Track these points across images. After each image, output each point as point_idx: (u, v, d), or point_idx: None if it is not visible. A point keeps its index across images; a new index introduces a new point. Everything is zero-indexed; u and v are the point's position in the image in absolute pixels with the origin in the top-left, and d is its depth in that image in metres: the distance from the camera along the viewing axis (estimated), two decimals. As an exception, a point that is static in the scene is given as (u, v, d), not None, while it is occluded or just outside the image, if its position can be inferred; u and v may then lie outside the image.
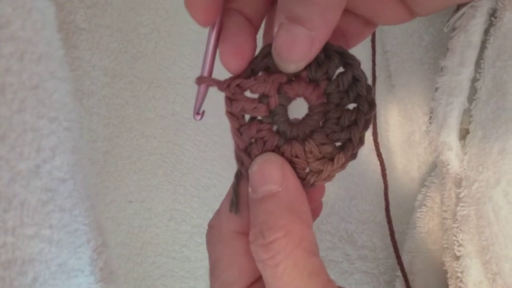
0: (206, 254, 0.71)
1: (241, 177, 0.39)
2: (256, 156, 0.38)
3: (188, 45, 0.74)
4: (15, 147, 0.39)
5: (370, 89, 0.38)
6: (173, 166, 0.72)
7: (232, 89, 0.37)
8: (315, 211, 0.43)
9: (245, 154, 0.38)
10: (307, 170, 0.38)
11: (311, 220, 0.35)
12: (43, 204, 0.40)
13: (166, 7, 0.72)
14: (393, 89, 0.76)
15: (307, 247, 0.33)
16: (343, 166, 0.38)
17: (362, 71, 0.38)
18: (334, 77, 0.38)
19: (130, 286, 0.67)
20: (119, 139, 0.67)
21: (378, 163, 0.72)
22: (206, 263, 0.71)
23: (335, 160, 0.37)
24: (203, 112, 0.40)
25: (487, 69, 0.61)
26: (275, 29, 0.35)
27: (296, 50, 0.34)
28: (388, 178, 0.72)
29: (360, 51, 0.41)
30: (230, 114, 0.38)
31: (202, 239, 0.72)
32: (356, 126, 0.37)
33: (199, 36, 0.75)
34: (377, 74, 0.74)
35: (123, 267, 0.67)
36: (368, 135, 0.72)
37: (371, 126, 0.71)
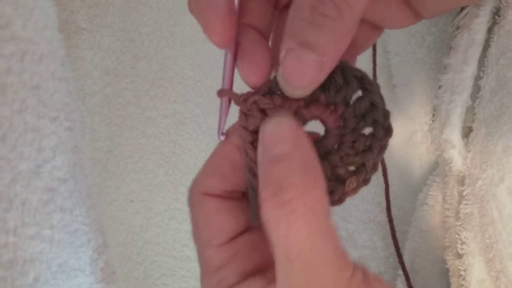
0: (207, 254, 0.71)
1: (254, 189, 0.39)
2: None
3: (189, 45, 0.74)
4: (16, 147, 0.39)
5: (387, 115, 0.38)
6: (174, 165, 0.72)
7: (248, 104, 0.37)
8: None
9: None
10: None
11: (325, 185, 0.34)
12: (44, 204, 0.40)
13: (168, 7, 0.72)
14: (394, 89, 0.76)
15: (323, 210, 0.33)
16: (354, 191, 0.38)
17: (381, 96, 0.38)
18: (352, 101, 0.38)
19: (131, 285, 0.67)
20: (120, 138, 0.67)
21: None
22: (207, 262, 0.72)
23: (347, 183, 0.37)
24: (227, 132, 0.40)
25: (490, 67, 0.61)
26: (282, 53, 0.34)
27: (305, 76, 0.34)
28: (389, 177, 0.72)
29: (378, 88, 0.41)
30: (245, 129, 0.38)
31: (203, 238, 0.72)
32: (371, 152, 0.37)
33: (201, 36, 0.74)
34: (378, 74, 0.74)
35: (124, 266, 0.67)
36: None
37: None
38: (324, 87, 0.37)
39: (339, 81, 0.37)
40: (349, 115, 0.38)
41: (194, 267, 0.72)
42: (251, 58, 0.37)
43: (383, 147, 0.38)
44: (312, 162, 0.34)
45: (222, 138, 0.40)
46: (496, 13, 0.61)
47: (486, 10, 0.61)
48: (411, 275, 0.67)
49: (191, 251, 0.72)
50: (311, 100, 0.38)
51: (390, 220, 0.69)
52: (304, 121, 0.38)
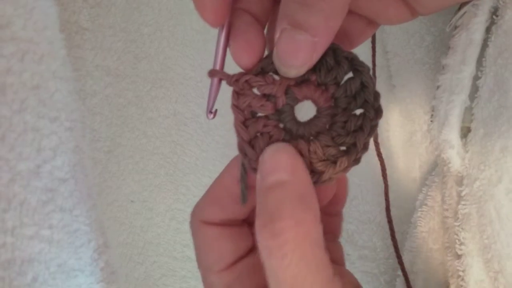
0: (207, 254, 0.71)
1: (245, 169, 0.39)
2: (260, 148, 0.38)
3: (190, 46, 0.74)
4: (15, 147, 0.39)
5: (377, 96, 0.38)
6: (175, 166, 0.72)
7: (240, 84, 0.38)
8: (341, 200, 0.47)
9: (249, 146, 0.38)
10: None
11: (319, 214, 0.35)
12: (43, 204, 0.40)
13: (170, 7, 0.72)
14: (394, 89, 0.76)
15: (316, 239, 0.33)
16: (345, 170, 0.38)
17: (370, 78, 0.38)
18: (343, 82, 0.39)
19: (132, 285, 0.67)
20: (121, 139, 0.67)
21: (378, 163, 0.72)
22: (207, 262, 0.72)
23: (338, 163, 0.37)
24: (216, 110, 0.40)
25: (488, 67, 0.61)
26: (277, 34, 0.35)
27: (299, 56, 0.35)
28: (389, 178, 0.72)
29: (360, 51, 0.41)
30: (236, 107, 0.38)
31: (204, 239, 0.72)
32: (362, 132, 0.38)
33: (202, 37, 0.75)
34: (377, 74, 0.74)
35: (125, 266, 0.67)
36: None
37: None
38: (315, 67, 0.37)
39: (330, 62, 0.38)
40: (340, 95, 0.38)
41: (194, 268, 0.71)
42: (244, 38, 0.37)
43: (373, 128, 0.38)
44: (307, 192, 0.35)
45: (210, 116, 0.40)
46: (494, 12, 0.61)
47: (484, 10, 0.61)
48: (410, 276, 0.68)
49: (191, 252, 0.72)
50: (302, 80, 0.38)
51: (389, 221, 0.69)
52: (295, 101, 0.39)
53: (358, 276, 0.72)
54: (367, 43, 0.73)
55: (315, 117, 0.39)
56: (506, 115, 0.58)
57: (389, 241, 0.70)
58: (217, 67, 0.39)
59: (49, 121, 0.42)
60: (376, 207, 0.75)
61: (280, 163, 0.35)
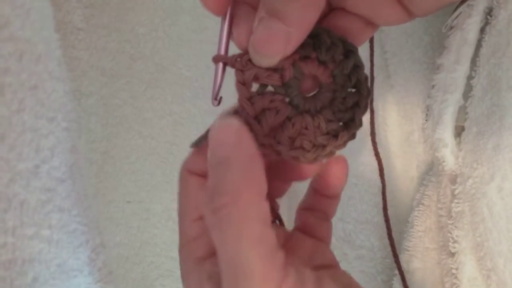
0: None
1: None
2: (267, 124, 0.39)
3: (186, 46, 0.74)
4: (14, 147, 0.39)
5: (367, 77, 0.40)
6: (171, 166, 0.72)
7: (244, 61, 0.38)
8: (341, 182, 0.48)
9: (255, 122, 0.38)
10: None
11: (265, 191, 0.35)
12: (43, 204, 0.40)
13: (164, 7, 0.72)
14: (392, 89, 0.76)
15: (255, 215, 0.33)
16: (344, 144, 0.40)
17: (360, 59, 0.40)
18: (338, 62, 0.40)
19: (129, 286, 0.67)
20: (117, 139, 0.67)
21: (376, 163, 0.72)
22: (204, 263, 0.72)
23: (339, 137, 0.39)
24: (221, 98, 0.40)
25: (482, 67, 0.62)
26: (255, 23, 0.36)
27: (272, 45, 0.36)
28: (387, 178, 0.72)
29: (358, 51, 0.42)
30: (241, 84, 0.39)
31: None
32: (358, 108, 0.40)
33: (197, 37, 0.75)
34: (375, 74, 0.74)
35: (122, 267, 0.67)
36: (366, 135, 0.72)
37: (369, 126, 0.72)
38: (315, 46, 0.39)
39: (327, 42, 0.39)
40: (338, 73, 0.40)
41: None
42: (246, 25, 0.38)
43: (366, 105, 0.40)
44: (250, 167, 0.35)
45: (215, 103, 0.40)
46: (489, 13, 0.62)
47: (479, 10, 0.62)
48: (407, 275, 0.68)
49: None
50: (305, 56, 0.39)
51: (387, 220, 0.70)
52: (301, 74, 0.39)
53: (355, 275, 0.72)
54: (365, 43, 0.73)
55: (318, 92, 0.40)
56: (499, 114, 0.59)
57: (386, 241, 0.70)
58: (222, 53, 0.39)
59: (47, 121, 0.42)
60: (374, 206, 0.75)
61: (225, 138, 0.35)
